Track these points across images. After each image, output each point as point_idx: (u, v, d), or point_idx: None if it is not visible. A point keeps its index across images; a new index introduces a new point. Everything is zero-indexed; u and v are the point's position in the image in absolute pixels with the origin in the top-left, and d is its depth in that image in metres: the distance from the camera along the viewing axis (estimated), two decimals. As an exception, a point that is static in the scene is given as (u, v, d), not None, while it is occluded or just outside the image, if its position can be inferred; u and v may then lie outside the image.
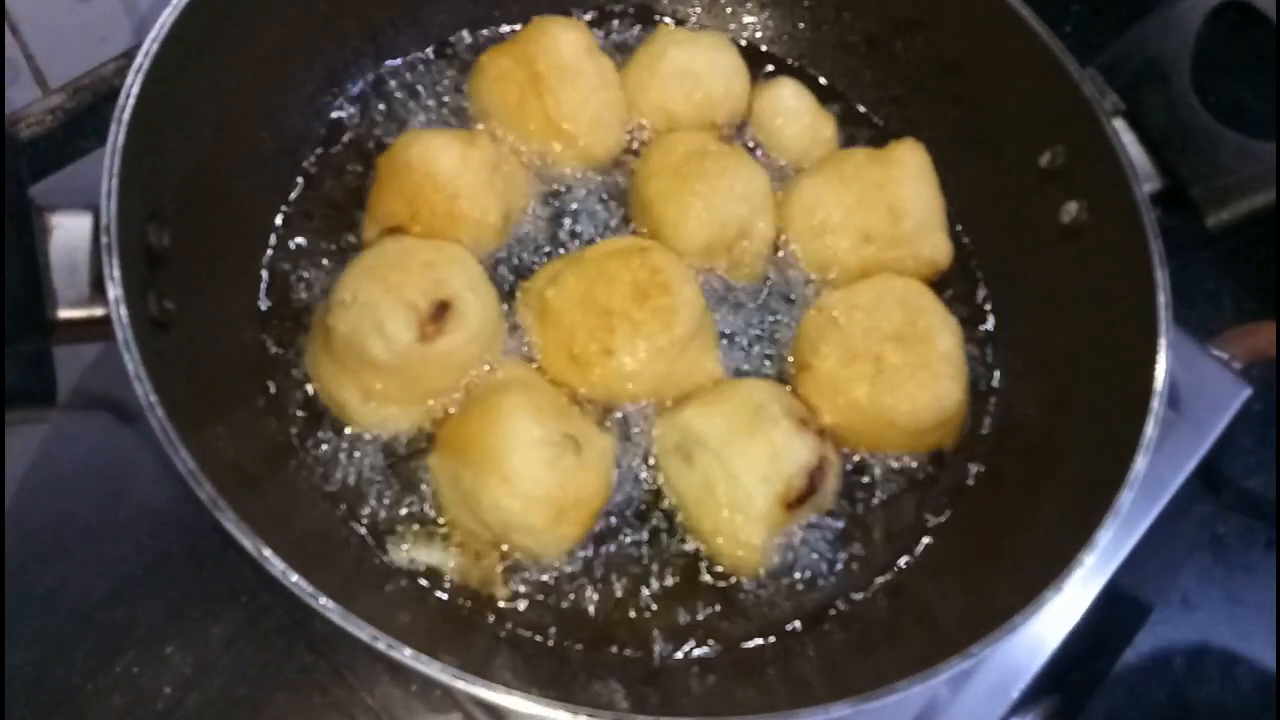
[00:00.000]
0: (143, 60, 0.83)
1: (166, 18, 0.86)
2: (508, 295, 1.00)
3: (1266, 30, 1.05)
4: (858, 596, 0.94)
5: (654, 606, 0.90)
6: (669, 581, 0.92)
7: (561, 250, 1.05)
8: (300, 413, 0.94)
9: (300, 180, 1.06)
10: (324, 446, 0.93)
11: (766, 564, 0.92)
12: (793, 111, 1.14)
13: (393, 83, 1.13)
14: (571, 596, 0.90)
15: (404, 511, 0.91)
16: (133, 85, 0.82)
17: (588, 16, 1.19)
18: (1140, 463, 0.84)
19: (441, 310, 0.89)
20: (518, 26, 1.16)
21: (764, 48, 1.23)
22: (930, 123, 1.15)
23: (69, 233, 0.78)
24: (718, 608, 0.91)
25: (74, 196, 0.80)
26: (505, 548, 0.89)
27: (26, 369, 0.73)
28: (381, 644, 0.68)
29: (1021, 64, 1.06)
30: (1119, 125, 1.01)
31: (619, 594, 0.90)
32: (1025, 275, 1.07)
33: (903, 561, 0.96)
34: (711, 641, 0.90)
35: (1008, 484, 0.98)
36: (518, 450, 0.85)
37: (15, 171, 0.77)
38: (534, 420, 0.87)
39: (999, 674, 0.98)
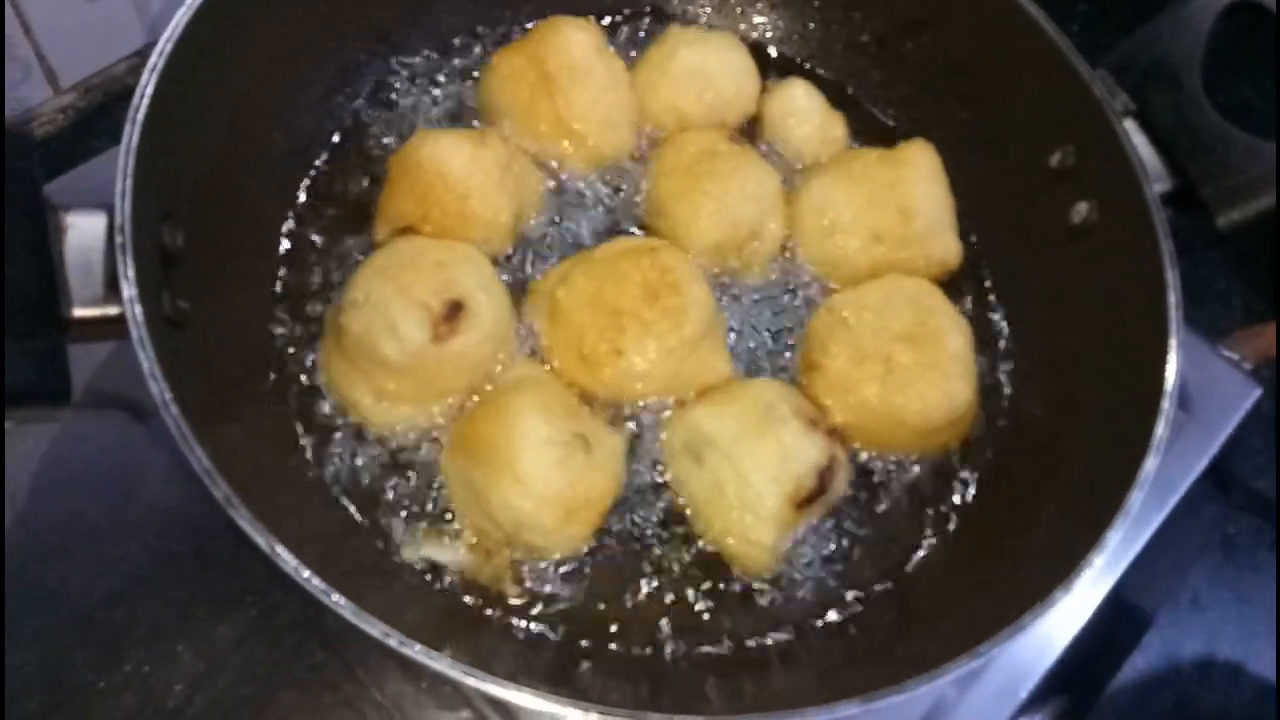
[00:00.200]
0: (157, 60, 0.84)
1: (180, 18, 0.87)
2: (518, 295, 1.00)
3: (1277, 31, 1.04)
4: (866, 595, 0.94)
5: (664, 605, 0.91)
6: (678, 580, 0.92)
7: (571, 250, 1.05)
8: (313, 412, 0.94)
9: (311, 180, 1.06)
10: (336, 446, 0.93)
11: (776, 563, 0.92)
12: (804, 112, 1.14)
13: (403, 82, 1.14)
14: (581, 594, 0.90)
15: (415, 510, 0.91)
16: (147, 85, 0.82)
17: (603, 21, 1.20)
18: (1151, 463, 0.84)
19: (454, 310, 0.89)
20: (528, 26, 1.17)
21: (773, 48, 1.23)
22: (939, 123, 1.15)
23: (83, 232, 0.79)
24: (727, 606, 0.91)
25: (87, 196, 0.80)
26: (516, 546, 0.89)
27: (41, 366, 0.73)
28: (393, 640, 0.68)
29: (1030, 64, 1.06)
30: (1129, 125, 1.01)
31: (628, 592, 0.91)
32: (1034, 275, 1.07)
33: (911, 561, 0.96)
34: (721, 639, 0.90)
35: (1016, 484, 0.97)
36: (528, 450, 0.85)
37: (28, 170, 0.77)
38: (544, 420, 0.87)
39: (1007, 674, 0.98)
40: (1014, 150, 1.09)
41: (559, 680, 0.81)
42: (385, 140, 1.09)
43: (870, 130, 1.19)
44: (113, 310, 0.76)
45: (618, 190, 1.09)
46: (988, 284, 1.11)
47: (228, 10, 0.91)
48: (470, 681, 0.68)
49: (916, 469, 1.00)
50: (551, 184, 1.08)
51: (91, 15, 1.18)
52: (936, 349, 0.97)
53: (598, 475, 0.89)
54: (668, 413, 0.97)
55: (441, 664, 0.68)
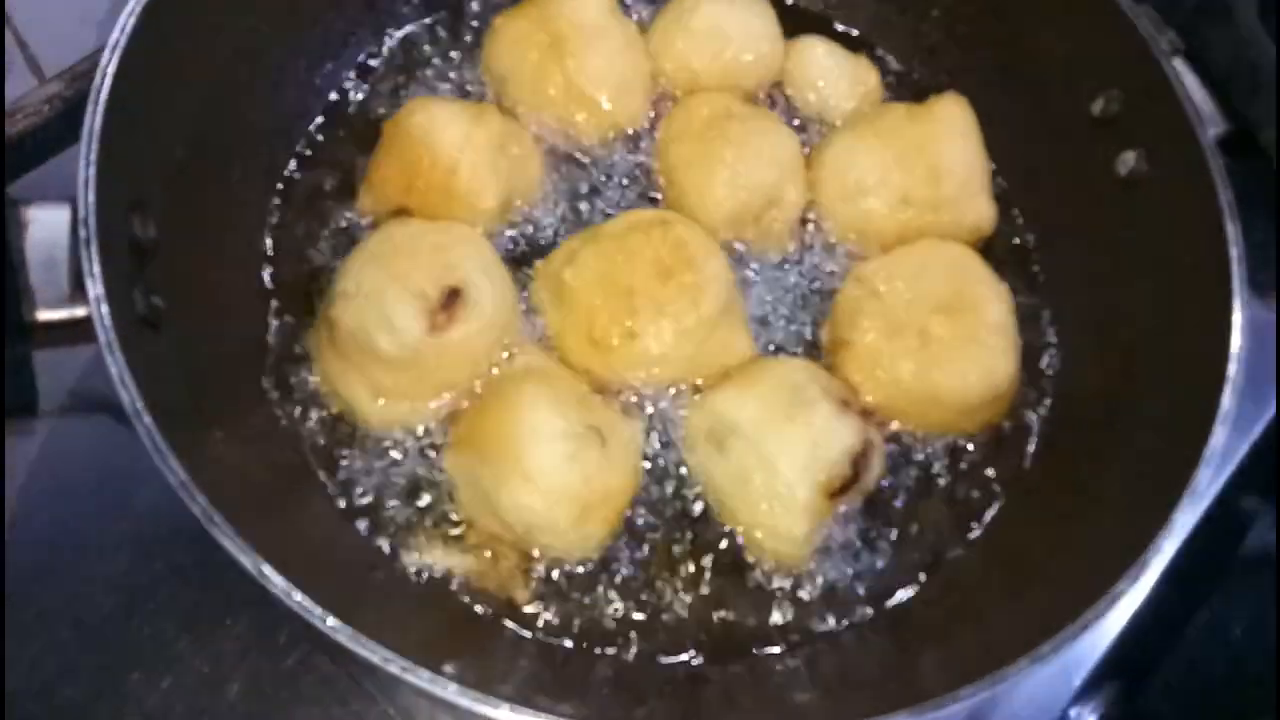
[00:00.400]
0: (119, 36, 0.78)
1: (144, -10, 0.81)
2: (521, 277, 0.96)
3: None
4: (910, 590, 0.89)
5: (689, 608, 0.87)
6: (705, 580, 0.88)
7: (579, 227, 1.00)
8: (305, 412, 0.90)
9: (298, 160, 1.01)
10: (331, 446, 0.89)
11: (808, 557, 0.88)
12: (831, 70, 1.08)
13: (395, 53, 1.08)
14: (598, 600, 0.86)
15: (418, 513, 0.88)
16: (109, 64, 0.77)
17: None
18: (1218, 436, 0.79)
19: (452, 298, 0.86)
20: None
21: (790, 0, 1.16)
22: (970, 72, 1.09)
23: (46, 227, 0.75)
24: (759, 606, 0.87)
25: (59, 189, 0.75)
26: (528, 549, 0.85)
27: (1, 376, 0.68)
28: (394, 667, 0.63)
29: (1068, 1, 0.99)
30: (1178, 65, 0.94)
31: (650, 596, 0.87)
32: (1079, 235, 1.01)
33: (957, 551, 0.91)
34: (755, 643, 0.86)
35: (1069, 464, 0.92)
36: (538, 445, 0.82)
37: (-16, 164, 0.73)
38: (554, 412, 0.83)
39: (1059, 665, 0.92)
40: (1052, 98, 1.03)
41: (576, 695, 0.78)
42: (377, 116, 1.04)
43: (897, 84, 1.13)
44: (80, 311, 0.72)
45: (628, 160, 1.04)
46: (1028, 247, 1.06)
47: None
48: (480, 709, 0.63)
49: (957, 450, 0.95)
50: (558, 154, 1.03)
51: (75, 1, 1.13)
52: (976, 320, 0.92)
53: (614, 469, 0.85)
54: (687, 399, 0.92)
55: (447, 692, 0.63)
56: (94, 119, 0.75)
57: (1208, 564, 1.08)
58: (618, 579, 0.86)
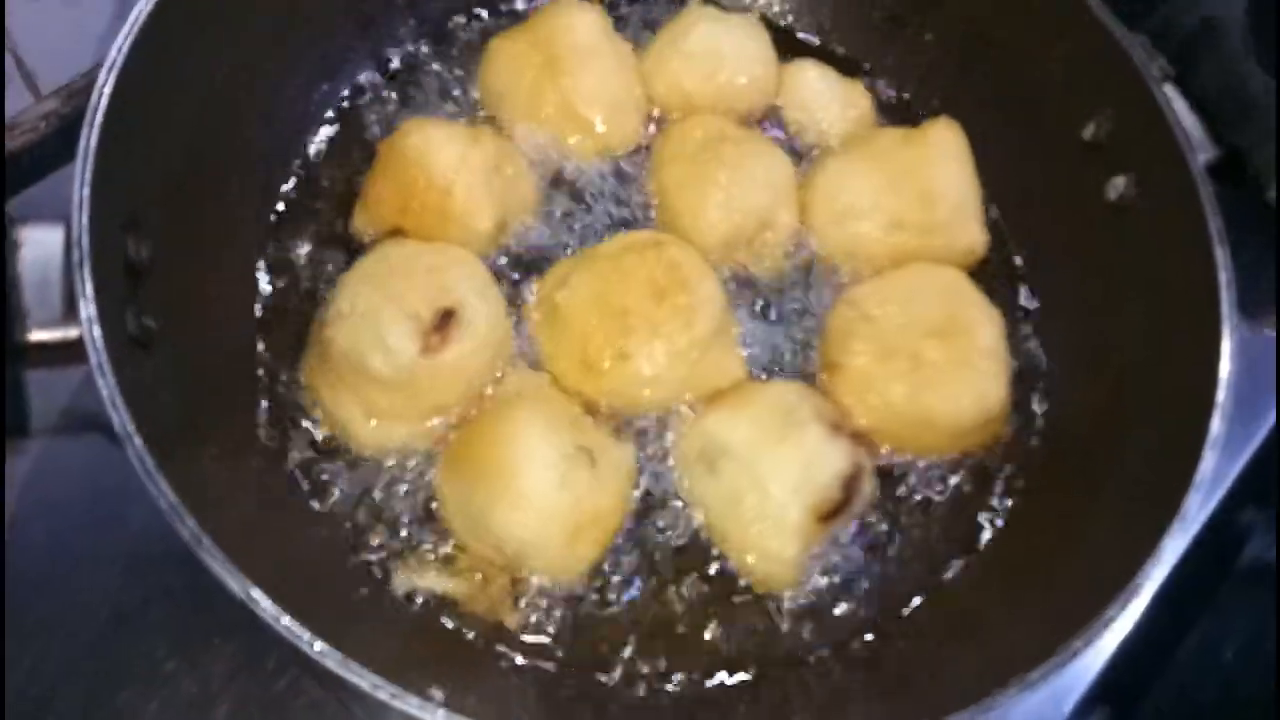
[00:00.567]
0: (116, 57, 0.79)
1: (142, 9, 0.81)
2: (515, 298, 0.96)
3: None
4: (901, 613, 0.89)
5: (679, 630, 0.86)
6: (695, 602, 0.87)
7: (572, 248, 1.00)
8: (298, 433, 0.90)
9: (294, 182, 1.01)
10: (323, 468, 0.89)
11: (800, 580, 0.87)
12: (824, 94, 1.09)
13: (391, 73, 1.09)
14: (588, 622, 0.85)
15: (408, 536, 0.87)
16: (105, 84, 0.77)
17: None
18: (1207, 462, 0.79)
19: (446, 319, 0.85)
20: (518, 5, 1.13)
21: (783, 23, 1.17)
22: (962, 97, 1.09)
23: (40, 247, 0.75)
24: (750, 629, 0.87)
25: (54, 207, 0.75)
26: (518, 571, 0.85)
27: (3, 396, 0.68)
28: (383, 693, 0.63)
29: (1059, 26, 1.00)
30: (1169, 91, 0.95)
31: (640, 619, 0.86)
32: (1069, 259, 1.02)
33: (945, 576, 0.91)
34: (745, 667, 0.85)
35: (1058, 488, 0.92)
36: (529, 467, 0.81)
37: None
38: (545, 434, 0.83)
39: (1048, 691, 0.92)
40: (1043, 122, 1.04)
41: (565, 719, 0.76)
42: (373, 137, 1.04)
43: (890, 109, 1.13)
44: (73, 332, 0.72)
45: (623, 182, 1.04)
46: (1019, 270, 1.06)
47: (193, 1, 0.85)
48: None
49: (947, 474, 0.95)
50: (552, 175, 1.03)
51: (71, 17, 1.14)
52: (968, 344, 0.92)
53: (605, 492, 0.85)
54: (679, 421, 0.92)
55: (436, 717, 0.62)
56: (89, 139, 0.75)
57: (1198, 587, 1.08)
58: (607, 601, 0.86)
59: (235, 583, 0.65)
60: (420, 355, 0.84)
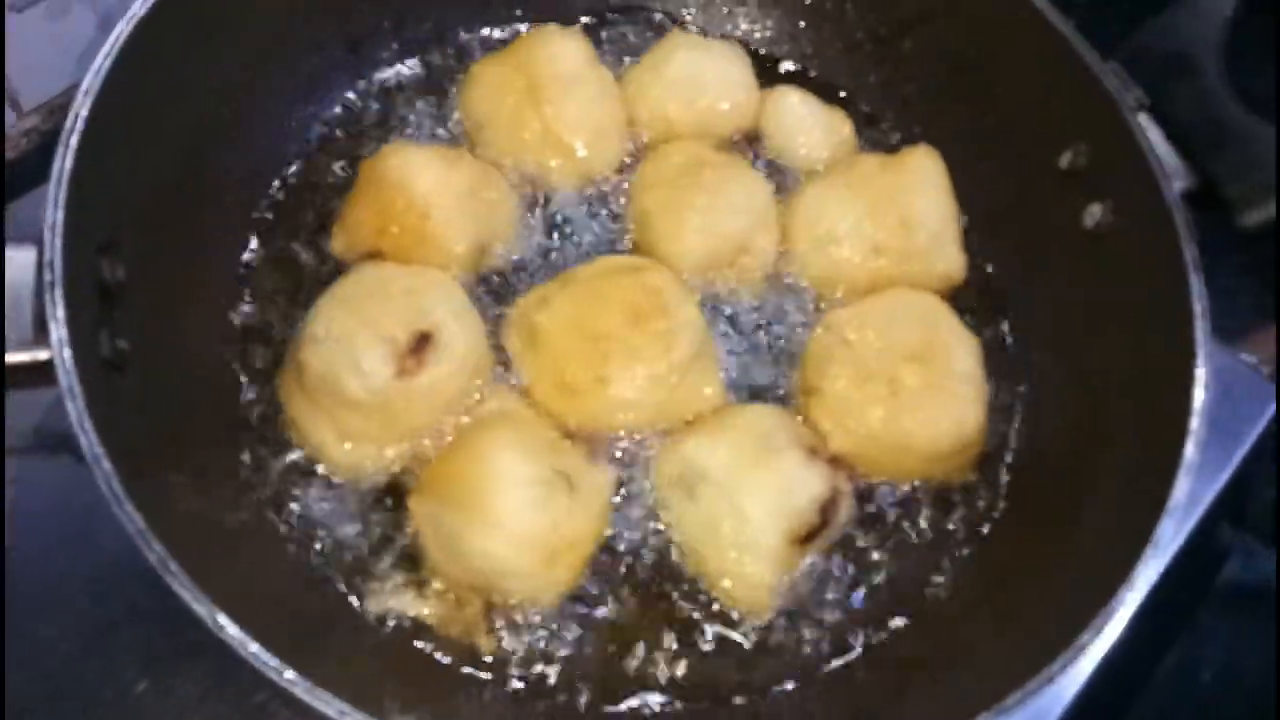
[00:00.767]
0: (92, 80, 0.78)
1: (121, 31, 0.81)
2: (494, 322, 0.95)
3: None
4: (875, 639, 0.88)
5: (654, 656, 0.85)
6: (672, 626, 0.86)
7: (552, 272, 0.99)
8: (271, 456, 0.89)
9: (272, 202, 1.01)
10: (297, 491, 0.88)
11: (776, 604, 0.87)
12: (802, 120, 1.09)
13: (372, 96, 1.09)
14: (565, 646, 0.84)
15: (382, 559, 0.86)
16: (81, 107, 0.77)
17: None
18: (1181, 488, 0.79)
19: (422, 342, 0.85)
20: (501, 32, 1.13)
21: (763, 50, 1.18)
22: (942, 124, 1.10)
23: (14, 266, 0.75)
24: (724, 653, 0.86)
25: (32, 225, 0.74)
26: (492, 595, 0.84)
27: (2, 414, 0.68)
28: (351, 720, 0.62)
29: (1036, 57, 1.01)
30: (1144, 120, 0.96)
31: (615, 643, 0.85)
32: (1046, 285, 1.02)
33: (920, 603, 0.91)
34: (719, 691, 0.84)
35: (1035, 515, 0.92)
36: (505, 491, 0.81)
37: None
38: (522, 458, 0.82)
39: (1024, 715, 0.91)
40: (1021, 151, 1.04)
41: None
42: (354, 160, 1.03)
43: (870, 135, 1.14)
44: (43, 355, 0.71)
45: (603, 206, 1.04)
46: (997, 296, 1.06)
47: (175, 23, 0.86)
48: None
49: (924, 499, 0.95)
50: (533, 200, 1.03)
51: (54, 33, 1.13)
52: (945, 369, 0.92)
53: (581, 516, 0.84)
54: (657, 445, 0.92)
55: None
56: (64, 161, 0.74)
57: (1176, 609, 1.08)
58: (583, 625, 0.85)
59: (202, 608, 0.65)
60: (395, 378, 0.83)
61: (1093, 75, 0.96)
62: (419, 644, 0.83)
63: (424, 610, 0.83)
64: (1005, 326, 1.04)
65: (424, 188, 0.93)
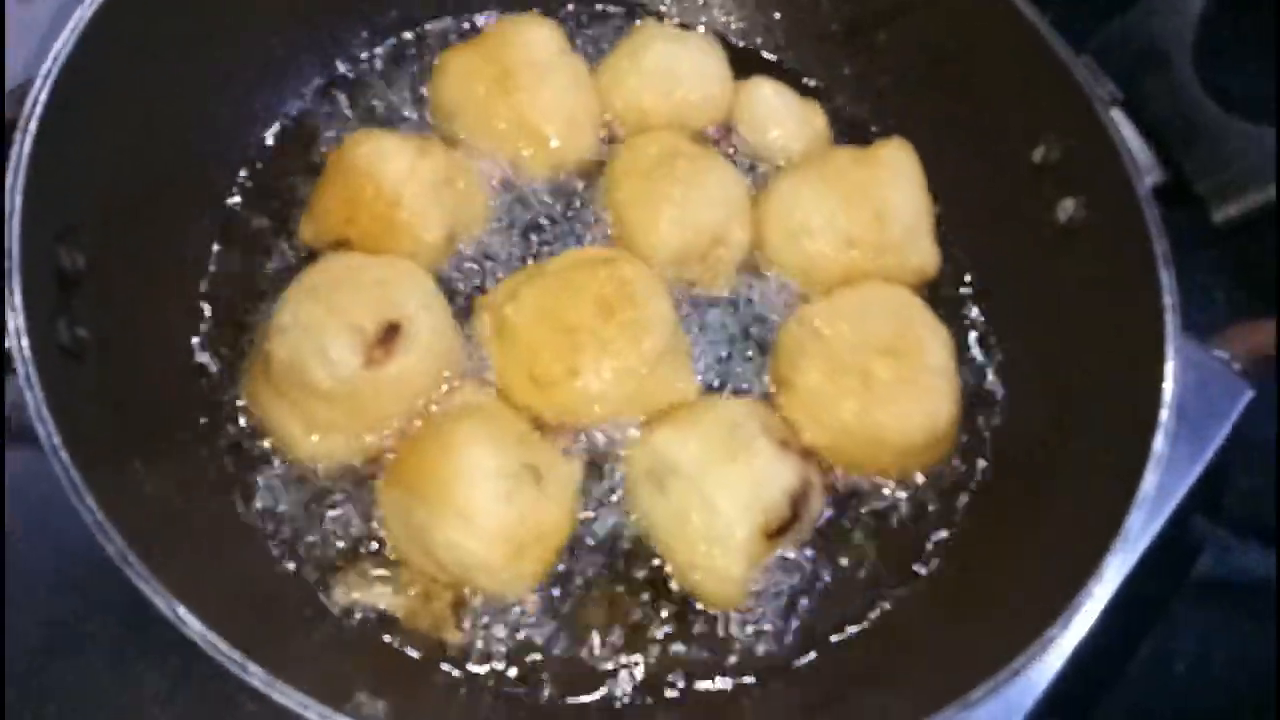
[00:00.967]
0: (51, 65, 0.77)
1: (82, 15, 0.80)
2: (465, 312, 0.94)
3: (1275, 10, 0.99)
4: (846, 631, 0.88)
5: (626, 647, 0.85)
6: (641, 619, 0.86)
7: (524, 262, 0.99)
8: (236, 445, 0.88)
9: (239, 190, 1.00)
10: (262, 482, 0.87)
11: (746, 598, 0.87)
12: (776, 111, 1.08)
13: (341, 83, 1.07)
14: (534, 639, 0.84)
15: (349, 551, 0.85)
16: (40, 91, 0.76)
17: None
18: (1150, 481, 0.79)
19: (390, 332, 0.84)
20: (478, 19, 1.12)
21: (739, 42, 1.17)
22: (916, 117, 1.09)
23: None
24: (694, 646, 0.86)
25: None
26: (461, 588, 0.84)
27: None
28: (312, 714, 0.61)
29: (1010, 51, 1.01)
30: (1116, 115, 0.96)
31: (586, 635, 0.85)
32: (1019, 279, 1.02)
33: (892, 594, 0.90)
34: (688, 683, 0.84)
35: (1006, 507, 0.92)
36: (473, 483, 0.80)
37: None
38: (491, 450, 0.82)
39: (996, 706, 0.91)
40: (994, 145, 1.04)
41: None
42: (322, 147, 1.03)
43: (843, 127, 1.13)
44: (-1, 342, 0.69)
45: (576, 197, 1.04)
46: (969, 290, 1.06)
47: (137, 6, 0.84)
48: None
49: (897, 492, 0.94)
50: (504, 190, 1.02)
51: (22, 18, 1.11)
52: (917, 362, 0.92)
53: (550, 508, 0.84)
54: (629, 437, 0.91)
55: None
56: (22, 148, 0.73)
57: (1149, 601, 1.09)
58: (552, 618, 0.85)
59: (161, 600, 0.64)
60: (363, 368, 0.82)
61: (1066, 69, 0.96)
62: (386, 637, 0.82)
63: (391, 603, 0.83)
64: (978, 320, 1.04)
65: (394, 176, 0.92)
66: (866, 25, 1.12)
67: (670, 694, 0.83)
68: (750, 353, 0.98)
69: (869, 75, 1.14)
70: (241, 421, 0.89)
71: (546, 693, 0.82)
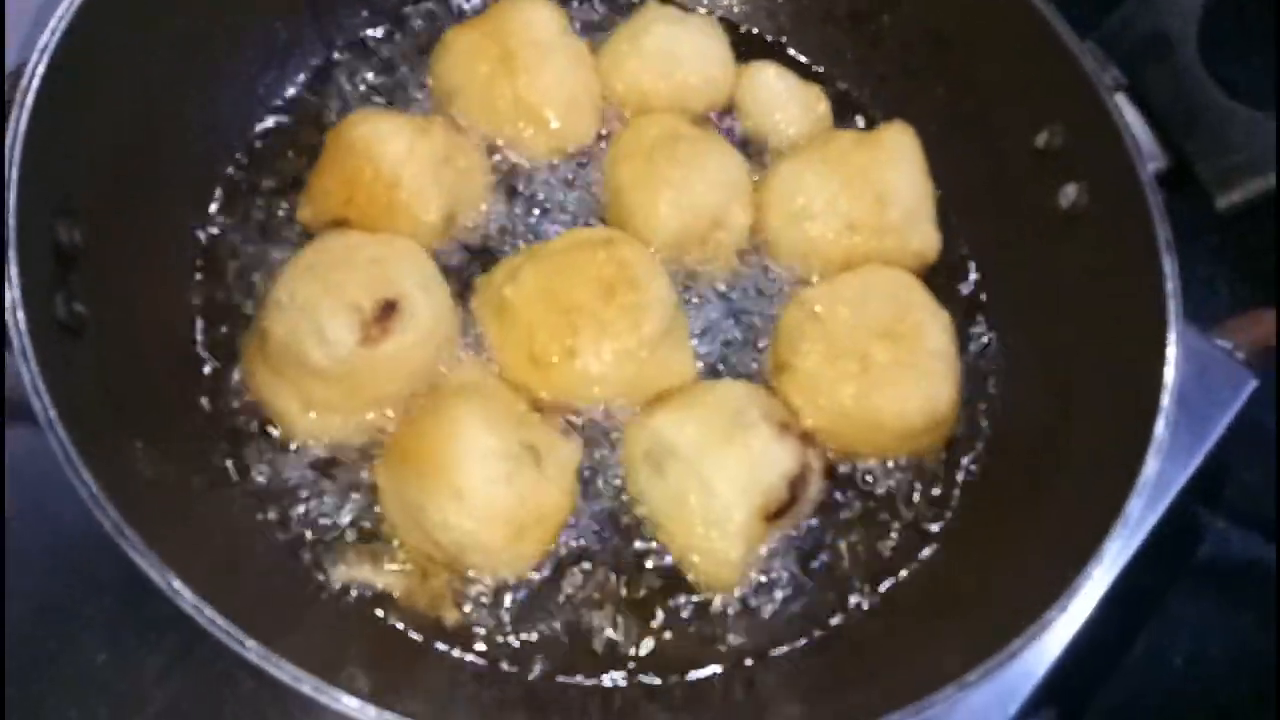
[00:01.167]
0: (49, 39, 0.77)
1: (77, -11, 0.79)
2: (464, 292, 0.94)
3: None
4: (844, 615, 0.88)
5: (622, 629, 0.85)
6: (639, 601, 0.86)
7: (524, 243, 0.98)
8: (233, 423, 0.88)
9: (237, 169, 0.99)
10: (259, 460, 0.87)
11: (744, 581, 0.87)
12: (779, 95, 1.08)
13: (341, 62, 1.07)
14: (529, 620, 0.84)
15: (346, 530, 0.85)
16: (38, 65, 0.76)
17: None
18: (1151, 466, 0.79)
19: (388, 310, 0.84)
20: (476, 2, 1.11)
21: (742, 25, 1.17)
22: (918, 102, 1.09)
23: None
24: (692, 628, 0.86)
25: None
26: (458, 568, 0.83)
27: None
28: (306, 687, 0.62)
29: (1014, 36, 1.00)
30: (1120, 100, 0.95)
31: (585, 616, 0.85)
32: (1022, 265, 1.02)
33: (892, 576, 0.90)
34: (688, 666, 0.84)
35: (1006, 491, 0.92)
36: (471, 463, 0.80)
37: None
38: (489, 430, 0.81)
39: (994, 691, 0.92)
40: (998, 130, 1.04)
41: (498, 716, 0.76)
42: (320, 125, 1.02)
43: (846, 111, 1.13)
44: (-3, 317, 0.69)
45: (576, 178, 1.03)
46: (971, 275, 1.05)
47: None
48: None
49: (897, 475, 0.94)
50: (505, 170, 1.02)
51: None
52: (917, 346, 0.92)
53: (549, 489, 0.84)
54: (626, 419, 0.91)
55: (362, 712, 0.61)
56: (19, 123, 0.73)
57: (1147, 591, 1.09)
58: (551, 599, 0.85)
59: (157, 574, 0.64)
60: (360, 346, 0.82)
61: (1070, 55, 0.95)
62: (382, 614, 0.82)
63: (388, 581, 0.83)
64: (979, 304, 1.04)
65: (393, 157, 0.91)
66: (870, 9, 1.11)
67: (664, 677, 0.83)
68: (749, 336, 0.98)
69: (871, 60, 1.13)
70: (239, 399, 0.88)
71: (542, 673, 0.82)
